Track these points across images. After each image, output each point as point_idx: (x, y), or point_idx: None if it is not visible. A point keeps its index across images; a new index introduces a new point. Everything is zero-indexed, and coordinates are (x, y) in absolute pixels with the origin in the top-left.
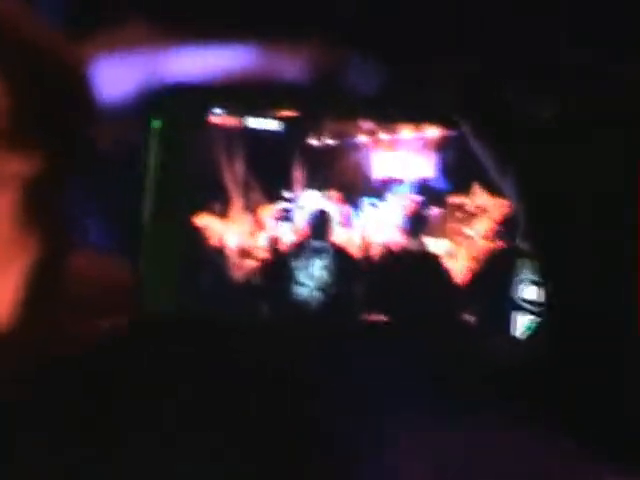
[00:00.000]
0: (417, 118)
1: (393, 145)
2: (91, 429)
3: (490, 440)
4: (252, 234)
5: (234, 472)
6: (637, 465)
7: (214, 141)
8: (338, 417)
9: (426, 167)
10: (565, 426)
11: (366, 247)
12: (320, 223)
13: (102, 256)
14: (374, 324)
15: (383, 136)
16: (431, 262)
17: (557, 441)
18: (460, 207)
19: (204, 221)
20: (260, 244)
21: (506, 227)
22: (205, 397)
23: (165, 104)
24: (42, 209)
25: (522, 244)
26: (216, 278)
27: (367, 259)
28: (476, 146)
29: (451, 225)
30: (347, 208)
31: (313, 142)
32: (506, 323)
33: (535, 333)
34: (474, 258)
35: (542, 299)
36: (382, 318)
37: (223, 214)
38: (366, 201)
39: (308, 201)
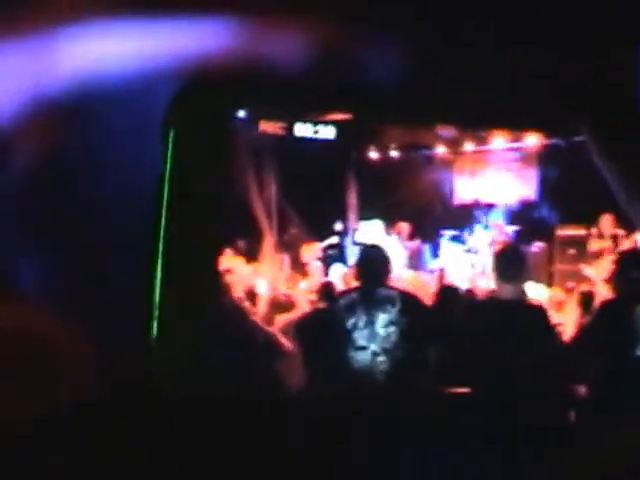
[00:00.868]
0: (515, 123)
1: (481, 158)
2: None
3: None
4: (289, 280)
5: None
6: None
7: (242, 155)
8: None
9: (525, 188)
10: None
11: (445, 296)
12: (377, 262)
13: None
14: (454, 397)
15: (468, 147)
16: (531, 316)
17: None
18: (573, 241)
19: (227, 264)
20: (300, 293)
21: (631, 266)
22: None
23: (178, 108)
24: None
25: None
26: (241, 341)
27: (446, 312)
28: (601, 159)
29: (560, 265)
30: (418, 244)
31: (373, 155)
32: (634, 400)
33: None
34: (590, 309)
35: None
36: (464, 390)
37: (251, 254)
38: (445, 234)
39: (366, 235)
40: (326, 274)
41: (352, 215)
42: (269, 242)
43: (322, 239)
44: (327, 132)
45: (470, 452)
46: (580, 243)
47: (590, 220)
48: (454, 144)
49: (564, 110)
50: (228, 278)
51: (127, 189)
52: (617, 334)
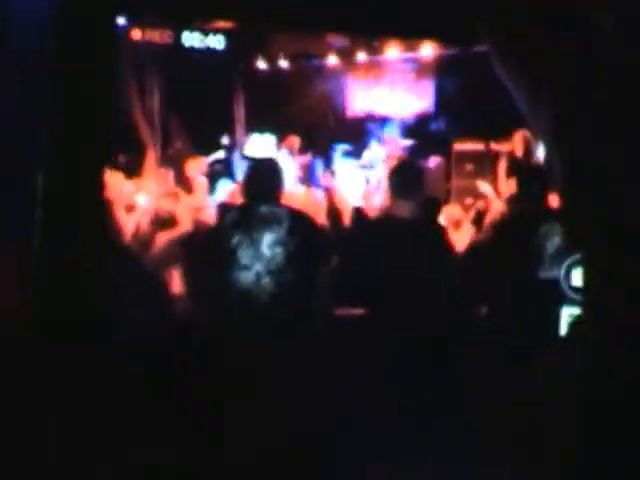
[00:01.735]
0: (410, 31)
1: (375, 69)
2: None
3: None
4: (172, 196)
5: None
6: None
7: (124, 65)
8: None
9: (422, 100)
10: None
11: (337, 213)
12: (264, 178)
13: None
14: (346, 320)
15: (361, 57)
16: (427, 233)
17: None
18: (469, 156)
19: (106, 179)
20: (184, 209)
21: (534, 183)
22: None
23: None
24: None
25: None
26: (120, 261)
27: (338, 230)
28: (504, 69)
29: (456, 181)
30: (309, 158)
31: (262, 65)
32: (534, 317)
33: (577, 332)
34: (488, 226)
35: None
36: (357, 311)
37: (133, 169)
38: (337, 148)
39: (254, 149)
40: (212, 190)
41: (240, 129)
42: (152, 156)
43: (208, 153)
44: (216, 41)
45: (364, 376)
46: (478, 159)
47: (489, 136)
48: (346, 54)
49: (463, 15)
50: (107, 194)
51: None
52: (517, 253)
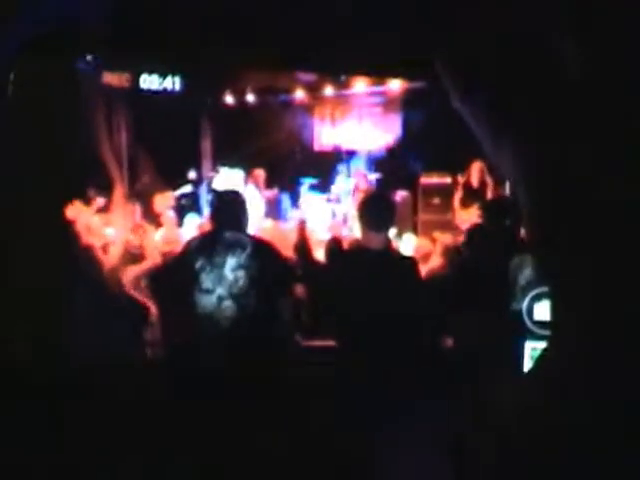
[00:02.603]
0: (377, 67)
1: (342, 103)
2: None
3: None
4: (139, 230)
5: None
6: None
7: (89, 104)
8: None
9: (388, 134)
10: None
11: (305, 247)
12: (229, 206)
13: None
14: (309, 351)
15: (328, 91)
16: (396, 266)
17: None
18: (437, 190)
19: (75, 215)
20: (152, 244)
21: (501, 215)
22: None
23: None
24: None
25: (524, 239)
26: (91, 295)
27: (305, 263)
28: (462, 105)
29: (424, 215)
30: (276, 192)
31: (229, 100)
32: (502, 353)
33: (542, 366)
34: (456, 259)
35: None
36: (322, 343)
37: (102, 204)
38: (305, 182)
39: (222, 183)
40: (180, 224)
41: (207, 163)
42: (119, 191)
43: (175, 188)
44: (174, 83)
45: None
46: (445, 192)
47: (456, 168)
48: (314, 88)
49: (422, 54)
50: (76, 229)
51: None
52: (489, 286)
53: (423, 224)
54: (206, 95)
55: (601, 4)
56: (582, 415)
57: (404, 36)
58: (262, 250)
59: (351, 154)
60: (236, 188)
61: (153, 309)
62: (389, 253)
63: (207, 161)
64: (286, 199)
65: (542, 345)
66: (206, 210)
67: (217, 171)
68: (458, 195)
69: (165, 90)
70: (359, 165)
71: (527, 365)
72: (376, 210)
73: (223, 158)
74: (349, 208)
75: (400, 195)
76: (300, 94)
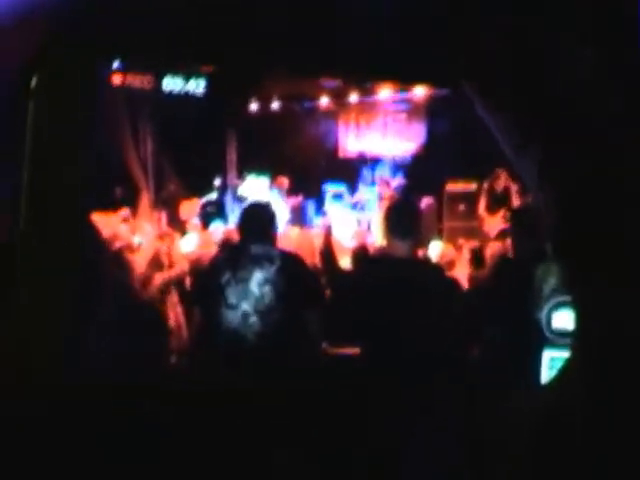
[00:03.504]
0: (403, 74)
1: (367, 110)
2: None
3: None
4: (166, 238)
5: None
6: None
7: (114, 109)
8: None
9: (413, 141)
10: None
11: (331, 254)
12: (257, 218)
13: None
14: (338, 360)
15: (353, 98)
16: (422, 273)
17: None
18: (462, 197)
19: (102, 221)
20: (180, 250)
21: (528, 223)
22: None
23: (46, 52)
24: None
25: (548, 247)
26: (117, 303)
27: (331, 270)
28: (486, 112)
29: (449, 222)
30: (301, 199)
31: (254, 107)
32: (525, 360)
33: (565, 376)
34: (482, 267)
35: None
36: (350, 351)
37: (128, 213)
38: (329, 189)
39: (246, 191)
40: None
41: (232, 170)
42: (146, 199)
43: (201, 195)
44: (198, 85)
45: (359, 418)
46: (469, 198)
47: (481, 175)
48: (338, 95)
49: (447, 61)
50: (104, 238)
51: None
52: (514, 294)
53: (448, 231)
54: (230, 98)
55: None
56: (598, 423)
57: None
58: (290, 263)
59: (376, 161)
60: (265, 199)
61: (173, 316)
62: (415, 261)
63: (232, 168)
64: (311, 206)
65: (560, 354)
66: (231, 217)
67: (243, 178)
68: (483, 202)
69: (188, 93)
70: (383, 172)
71: (545, 374)
72: (401, 218)
73: (248, 165)
74: (374, 216)
75: (425, 202)
76: (325, 101)
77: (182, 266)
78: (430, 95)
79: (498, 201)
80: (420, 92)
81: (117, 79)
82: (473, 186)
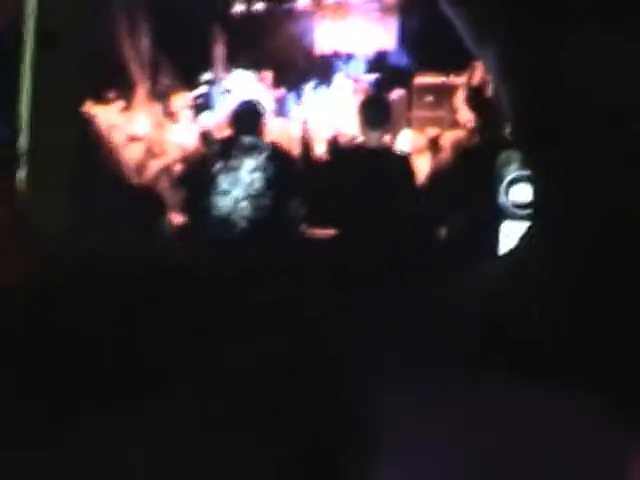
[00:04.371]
0: None
1: (341, 10)
2: None
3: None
4: (161, 127)
5: None
6: None
7: (111, 6)
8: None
9: (384, 37)
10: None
11: (308, 143)
12: (249, 112)
13: None
14: (319, 241)
15: (329, 0)
16: (393, 160)
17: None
18: (429, 88)
19: (99, 113)
20: (172, 140)
21: (488, 112)
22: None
23: None
24: None
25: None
26: (113, 188)
27: (310, 158)
28: (447, 5)
29: (418, 112)
30: (282, 92)
31: (238, 7)
32: (491, 236)
33: (525, 245)
34: (447, 153)
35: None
36: (329, 232)
37: (124, 103)
38: (308, 83)
39: (233, 84)
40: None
41: (220, 66)
42: (142, 91)
43: (192, 89)
44: None
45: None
46: (437, 90)
47: (450, 69)
48: None
49: None
50: (101, 127)
51: None
52: (477, 179)
53: (417, 120)
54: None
55: None
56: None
57: None
58: (277, 152)
59: (349, 56)
60: (248, 92)
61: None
62: (385, 149)
63: (220, 63)
64: (291, 98)
65: (518, 225)
66: (219, 108)
67: (229, 72)
68: (462, 93)
69: None
70: (357, 67)
71: (503, 245)
72: (373, 110)
73: (235, 61)
74: (348, 107)
75: (396, 93)
76: (303, 2)
77: (174, 154)
78: None
79: (476, 93)
80: None
81: None
82: (442, 79)
